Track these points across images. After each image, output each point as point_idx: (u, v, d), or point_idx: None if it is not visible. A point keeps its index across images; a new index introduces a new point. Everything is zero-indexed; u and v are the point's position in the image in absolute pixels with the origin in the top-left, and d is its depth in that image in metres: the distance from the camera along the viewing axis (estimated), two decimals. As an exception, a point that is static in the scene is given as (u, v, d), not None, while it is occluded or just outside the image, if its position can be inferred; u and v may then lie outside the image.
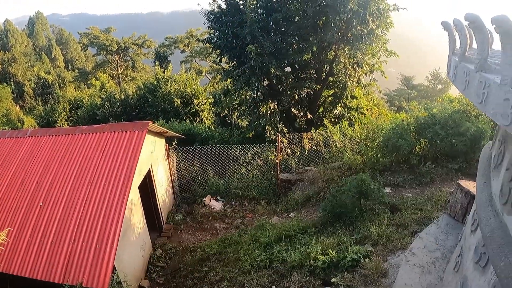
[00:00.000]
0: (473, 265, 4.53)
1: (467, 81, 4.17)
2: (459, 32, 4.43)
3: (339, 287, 7.35)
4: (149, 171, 12.68)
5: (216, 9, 19.69)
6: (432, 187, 11.32)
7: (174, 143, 16.97)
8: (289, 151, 16.34)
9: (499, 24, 2.91)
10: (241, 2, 19.37)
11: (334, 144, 15.89)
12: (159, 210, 13.57)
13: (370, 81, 21.45)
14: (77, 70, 76.43)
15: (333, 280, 7.60)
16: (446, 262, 6.57)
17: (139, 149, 10.60)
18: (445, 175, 11.90)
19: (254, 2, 18.76)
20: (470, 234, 5.17)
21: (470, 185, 7.60)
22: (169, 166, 15.69)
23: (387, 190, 11.56)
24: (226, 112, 25.72)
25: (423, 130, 12.77)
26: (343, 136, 15.81)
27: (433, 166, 12.23)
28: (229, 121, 26.96)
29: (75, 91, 49.85)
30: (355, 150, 15.26)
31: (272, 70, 18.23)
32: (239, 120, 24.78)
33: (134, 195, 10.75)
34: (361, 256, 7.93)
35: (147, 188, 12.85)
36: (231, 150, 16.56)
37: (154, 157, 13.49)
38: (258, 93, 20.23)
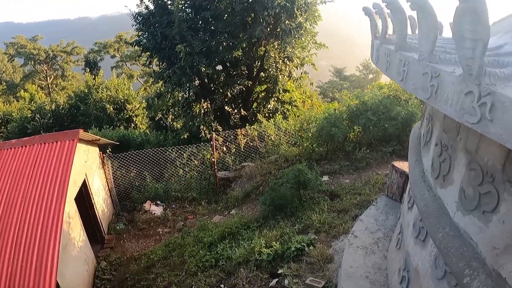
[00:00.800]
0: (414, 240, 4.67)
1: (388, 61, 4.30)
2: (379, 15, 4.54)
3: (287, 277, 7.39)
4: (84, 181, 12.24)
5: (144, 10, 19.40)
6: (368, 171, 11.64)
7: (108, 151, 16.50)
8: (225, 149, 16.31)
9: (414, 1, 3.00)
10: (169, 2, 19.15)
11: (269, 138, 16.00)
12: (99, 221, 13.13)
13: (301, 74, 21.78)
14: (4, 83, 72.61)
15: (280, 271, 7.64)
16: (389, 241, 6.74)
17: (71, 159, 10.21)
18: (380, 159, 12.27)
19: (182, 1, 18.57)
20: (408, 211, 5.33)
21: (404, 166, 7.85)
22: (105, 174, 15.23)
23: (325, 178, 11.78)
24: (160, 115, 25.38)
25: (356, 118, 13.11)
26: (278, 129, 15.94)
27: (368, 151, 12.58)
28: (164, 124, 26.58)
29: (4, 105, 47.36)
30: (290, 142, 15.45)
31: (203, 69, 18.13)
32: (175, 123, 24.52)
33: (71, 208, 10.35)
34: (305, 245, 8.04)
35: (84, 199, 12.39)
36: (166, 153, 16.31)
37: (89, 166, 13.05)
38: (190, 93, 20.12)
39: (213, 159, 15.49)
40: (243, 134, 16.10)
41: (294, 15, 17.85)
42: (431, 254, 4.01)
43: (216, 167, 15.61)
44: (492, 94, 2.27)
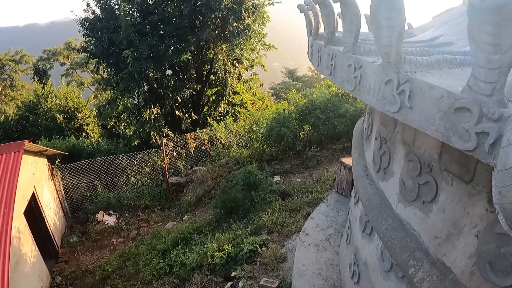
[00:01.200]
0: (361, 234, 4.68)
1: (319, 56, 4.31)
2: (311, 11, 4.53)
3: (241, 280, 7.32)
4: (33, 194, 11.77)
5: (91, 16, 18.85)
6: (319, 169, 11.70)
7: (57, 162, 15.99)
8: (175, 154, 16.10)
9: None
10: (116, 6, 18.75)
11: (219, 141, 15.91)
12: (51, 235, 12.65)
13: (251, 75, 21.80)
14: (-49, 97, 68.95)
15: (233, 274, 7.56)
16: (340, 237, 6.77)
17: (17, 171, 9.81)
18: (330, 156, 12.36)
19: (129, 5, 18.25)
20: (354, 205, 5.36)
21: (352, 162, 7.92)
22: (55, 186, 14.72)
23: (277, 178, 11.78)
24: (113, 123, 24.87)
25: (305, 116, 13.17)
26: (228, 132, 15.87)
27: (318, 149, 12.66)
28: (117, 132, 26.05)
29: (-50, 121, 45.16)
30: (241, 144, 15.39)
31: (151, 74, 17.90)
32: (127, 130, 24.08)
33: (20, 222, 9.93)
34: (258, 246, 7.98)
35: (34, 213, 11.93)
36: (117, 161, 15.92)
37: (37, 178, 12.57)
38: (140, 99, 19.75)
39: (164, 165, 15.26)
40: (193, 138, 15.93)
41: (242, 17, 17.87)
42: (378, 247, 4.02)
43: (167, 172, 15.37)
44: (411, 81, 2.26)
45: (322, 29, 4.29)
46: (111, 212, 15.52)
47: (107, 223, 14.68)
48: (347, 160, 8.06)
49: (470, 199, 2.52)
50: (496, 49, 1.60)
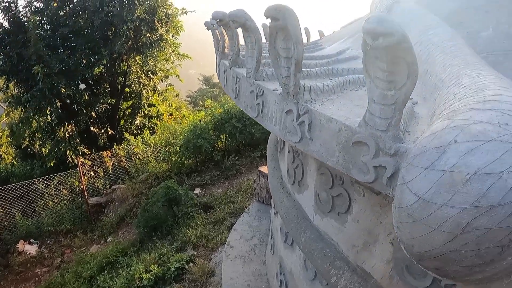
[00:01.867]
0: (283, 244, 4.74)
1: (225, 78, 4.29)
2: (217, 30, 4.52)
3: (171, 300, 7.22)
4: None
5: (-1, 29, 17.79)
6: (239, 178, 11.77)
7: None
8: (93, 174, 15.57)
9: (235, 19, 3.02)
10: (24, 19, 17.80)
11: (137, 156, 15.59)
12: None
13: (166, 86, 21.54)
14: None
15: (163, 295, 7.44)
16: (265, 246, 6.82)
17: None
18: (249, 164, 12.48)
19: (38, 18, 17.38)
20: (275, 216, 5.43)
21: (270, 170, 8.03)
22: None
23: (197, 191, 11.72)
24: (27, 142, 23.54)
25: (222, 126, 13.21)
26: (146, 146, 15.58)
27: (237, 158, 12.74)
28: (32, 151, 24.65)
29: None
30: (159, 158, 15.15)
31: (63, 90, 17.13)
32: (43, 148, 22.89)
33: None
34: (184, 263, 7.86)
35: None
36: (33, 185, 15.10)
37: None
38: (53, 117, 18.87)
39: (82, 186, 14.69)
40: (109, 156, 15.49)
41: (155, 28, 17.64)
42: (300, 257, 4.08)
43: (86, 193, 14.79)
44: (310, 112, 2.31)
45: (228, 49, 4.31)
46: (31, 240, 14.63)
47: (29, 253, 13.83)
48: (265, 169, 8.15)
49: (382, 209, 2.63)
50: (391, 86, 1.68)
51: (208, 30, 4.92)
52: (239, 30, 3.43)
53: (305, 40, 6.96)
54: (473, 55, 2.62)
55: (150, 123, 20.86)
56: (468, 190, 1.27)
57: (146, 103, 20.54)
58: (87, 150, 18.69)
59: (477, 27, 3.43)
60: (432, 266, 1.50)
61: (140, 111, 20.60)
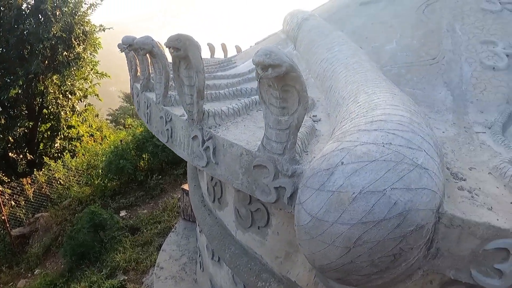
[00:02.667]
0: (211, 261, 4.76)
1: (138, 101, 4.30)
2: (128, 54, 4.50)
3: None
4: None
5: None
6: (164, 197, 11.65)
7: None
8: (13, 203, 14.80)
9: (143, 46, 3.05)
10: None
11: (58, 181, 15.02)
12: None
13: (85, 106, 20.90)
14: None
15: (95, 325, 7.23)
16: (195, 264, 6.81)
17: None
18: (173, 182, 12.38)
19: None
20: (200, 234, 5.45)
21: (194, 187, 8.02)
22: None
23: (123, 213, 11.48)
24: None
25: (143, 145, 13.03)
26: (67, 170, 15.05)
27: (160, 177, 12.61)
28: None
29: None
30: (81, 182, 14.68)
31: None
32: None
33: None
34: (115, 289, 7.73)
35: None
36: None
37: None
38: (-35, 145, 17.80)
39: (3, 217, 13.90)
40: (30, 183, 14.80)
41: (72, 46, 17.06)
42: (228, 272, 4.12)
43: (8, 225, 13.97)
44: (213, 138, 2.40)
45: (140, 72, 4.30)
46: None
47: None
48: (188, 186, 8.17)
49: (299, 221, 2.74)
50: (284, 112, 1.79)
51: (121, 52, 4.88)
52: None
53: (222, 56, 7.09)
54: (373, 71, 2.80)
55: (70, 145, 20.08)
56: (355, 208, 1.38)
57: (65, 125, 19.77)
58: (6, 178, 17.71)
59: (382, 41, 3.66)
60: (334, 276, 1.61)
61: (59, 133, 19.78)
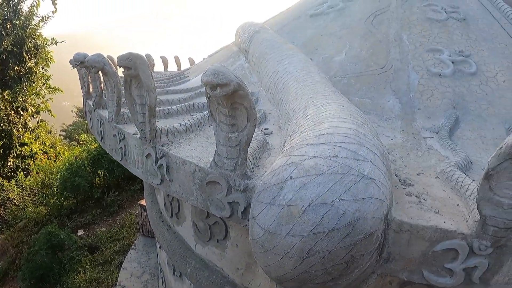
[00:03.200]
0: (172, 277, 4.73)
1: (91, 119, 4.26)
2: (80, 70, 4.43)
3: None
4: None
5: None
6: (122, 214, 11.46)
7: None
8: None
9: (94, 64, 3.02)
10: None
11: (13, 202, 14.55)
12: None
13: (38, 123, 20.35)
14: None
15: None
16: (157, 280, 6.74)
17: None
18: (131, 198, 12.20)
19: None
20: (160, 250, 5.40)
21: (152, 202, 7.94)
22: None
23: (81, 232, 11.22)
24: None
25: (98, 161, 12.79)
26: (21, 189, 14.60)
27: (117, 193, 12.40)
28: None
29: None
30: (37, 202, 14.27)
31: None
32: None
33: None
34: (76, 311, 7.55)
35: None
36: None
37: None
38: None
39: (-48, 244, 13.38)
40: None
41: (24, 60, 16.58)
42: (191, 287, 4.12)
43: (-39, 252, 13.50)
44: (166, 156, 2.41)
45: (92, 89, 4.24)
46: None
47: None
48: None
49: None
50: (234, 129, 1.83)
51: (74, 68, 4.80)
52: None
53: (175, 69, 7.08)
54: (323, 83, 2.86)
55: (23, 164, 19.50)
56: (305, 220, 1.43)
57: (18, 143, 19.19)
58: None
59: (332, 52, 3.75)
60: (291, 286, 1.65)
61: (11, 151, 19.18)
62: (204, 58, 6.41)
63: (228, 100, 1.73)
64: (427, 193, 2.03)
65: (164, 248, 4.24)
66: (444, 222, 1.75)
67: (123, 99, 3.08)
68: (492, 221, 1.62)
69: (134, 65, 2.30)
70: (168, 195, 4.06)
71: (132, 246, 8.03)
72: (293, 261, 1.50)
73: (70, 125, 47.41)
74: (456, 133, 3.01)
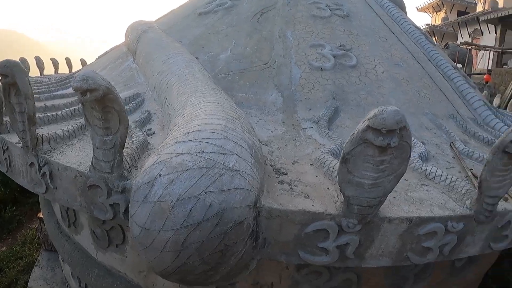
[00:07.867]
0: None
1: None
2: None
3: None
4: None
5: None
6: (22, 230, 10.84)
7: None
8: None
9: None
10: None
11: None
12: None
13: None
14: None
15: None
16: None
17: None
18: (30, 212, 11.51)
19: None
20: (63, 262, 5.25)
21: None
22: None
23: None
24: None
25: None
26: None
27: (15, 208, 11.68)
28: None
29: None
30: None
31: None
32: None
33: None
34: None
35: None
36: None
37: None
38: None
39: None
40: None
41: None
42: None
43: None
44: (49, 163, 2.40)
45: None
46: None
47: None
48: (39, 215, 7.75)
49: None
50: (107, 132, 1.89)
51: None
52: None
53: (67, 71, 6.87)
54: (204, 81, 2.95)
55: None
56: (175, 215, 1.52)
57: None
58: None
59: (217, 50, 3.84)
60: (175, 279, 1.74)
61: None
62: (96, 59, 6.29)
63: (99, 104, 1.79)
64: (300, 180, 2.19)
65: (66, 260, 4.15)
66: (313, 205, 1.91)
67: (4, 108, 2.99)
68: (356, 200, 1.79)
69: (11, 72, 2.26)
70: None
71: (36, 263, 7.68)
72: (170, 255, 1.58)
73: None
74: (335, 122, 3.22)
